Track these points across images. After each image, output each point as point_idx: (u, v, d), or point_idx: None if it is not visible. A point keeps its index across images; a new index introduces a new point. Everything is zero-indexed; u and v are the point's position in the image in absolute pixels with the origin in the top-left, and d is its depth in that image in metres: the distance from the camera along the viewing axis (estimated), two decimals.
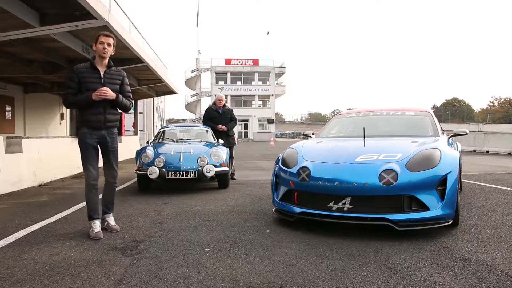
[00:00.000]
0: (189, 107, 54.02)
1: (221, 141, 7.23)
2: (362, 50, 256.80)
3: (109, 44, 3.56)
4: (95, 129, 3.58)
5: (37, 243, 3.33)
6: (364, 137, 4.05)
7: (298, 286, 2.36)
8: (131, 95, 3.82)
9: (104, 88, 3.50)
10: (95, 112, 3.55)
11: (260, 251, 3.04)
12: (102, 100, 3.51)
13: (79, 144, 3.60)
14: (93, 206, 3.61)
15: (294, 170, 3.77)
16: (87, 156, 3.58)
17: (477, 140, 17.35)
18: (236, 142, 8.07)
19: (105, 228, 3.69)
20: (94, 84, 3.52)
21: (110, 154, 3.70)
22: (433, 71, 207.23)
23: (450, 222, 3.40)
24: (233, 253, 3.00)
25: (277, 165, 4.17)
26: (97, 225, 3.57)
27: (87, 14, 6.90)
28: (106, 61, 3.61)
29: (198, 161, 6.02)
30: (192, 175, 5.90)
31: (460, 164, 4.20)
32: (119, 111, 3.75)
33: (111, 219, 3.76)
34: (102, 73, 3.58)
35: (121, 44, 9.49)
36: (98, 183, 3.65)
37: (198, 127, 8.27)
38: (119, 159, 3.90)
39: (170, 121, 60.63)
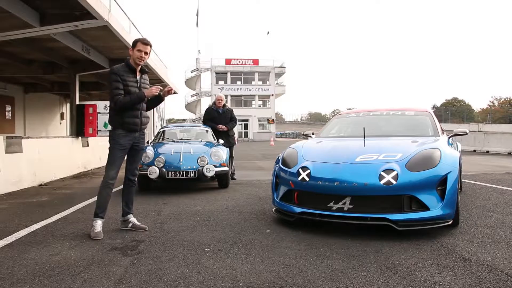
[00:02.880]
0: (189, 107, 54.01)
1: (221, 141, 7.22)
2: (362, 50, 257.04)
3: (146, 53, 3.61)
4: (131, 131, 3.67)
5: (37, 243, 3.33)
6: (364, 137, 4.05)
7: (298, 286, 2.36)
8: None
9: (155, 86, 3.67)
10: (133, 115, 3.66)
11: (260, 251, 3.04)
12: (139, 103, 3.65)
13: (111, 144, 3.66)
14: (102, 204, 3.64)
15: (294, 170, 3.77)
16: (115, 157, 3.64)
17: (477, 140, 17.36)
18: (236, 142, 8.07)
19: (132, 229, 3.73)
20: (133, 88, 3.62)
21: (138, 153, 3.83)
22: (433, 71, 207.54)
23: (450, 222, 3.41)
24: (233, 253, 3.00)
25: (277, 165, 4.17)
26: (98, 224, 3.57)
27: (87, 14, 6.92)
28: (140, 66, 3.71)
29: (198, 161, 6.02)
30: (192, 175, 5.90)
31: (460, 164, 4.20)
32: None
33: (134, 220, 3.81)
34: (138, 77, 3.68)
35: (121, 44, 9.50)
36: (114, 185, 3.69)
37: (198, 127, 8.26)
38: None
39: (170, 121, 60.56)
